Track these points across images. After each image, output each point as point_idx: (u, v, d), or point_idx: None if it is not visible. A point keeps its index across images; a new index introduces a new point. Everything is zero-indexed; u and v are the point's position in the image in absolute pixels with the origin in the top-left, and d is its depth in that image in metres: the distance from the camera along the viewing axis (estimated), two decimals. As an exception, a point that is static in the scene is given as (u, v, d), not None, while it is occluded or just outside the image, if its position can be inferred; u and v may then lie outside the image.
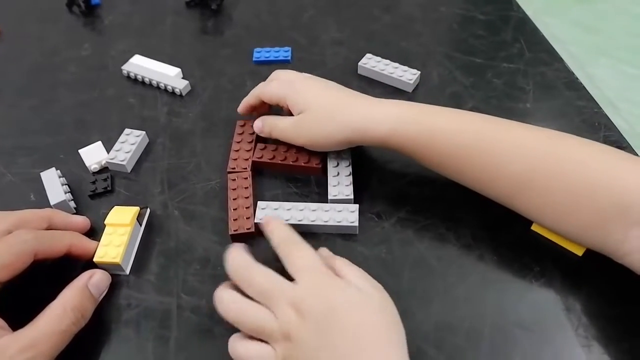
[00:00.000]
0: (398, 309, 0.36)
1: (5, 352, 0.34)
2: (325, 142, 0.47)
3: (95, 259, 0.42)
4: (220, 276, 0.42)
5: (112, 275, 0.43)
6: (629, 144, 0.51)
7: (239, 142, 0.52)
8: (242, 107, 0.54)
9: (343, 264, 0.39)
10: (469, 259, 0.43)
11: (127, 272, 0.44)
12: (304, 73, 0.52)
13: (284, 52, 0.63)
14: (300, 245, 0.39)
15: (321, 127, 0.47)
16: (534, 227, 0.44)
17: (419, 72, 0.58)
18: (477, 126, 0.43)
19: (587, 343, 0.38)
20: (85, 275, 0.40)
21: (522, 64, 0.60)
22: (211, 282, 0.42)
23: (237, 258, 0.39)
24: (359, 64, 0.60)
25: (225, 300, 0.38)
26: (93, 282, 0.40)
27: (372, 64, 0.60)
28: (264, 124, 0.51)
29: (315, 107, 0.47)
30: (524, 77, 0.59)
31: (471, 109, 0.45)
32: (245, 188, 0.48)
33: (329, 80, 0.50)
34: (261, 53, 0.63)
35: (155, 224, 0.47)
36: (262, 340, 0.36)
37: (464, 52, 0.63)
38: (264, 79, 0.53)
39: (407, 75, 0.58)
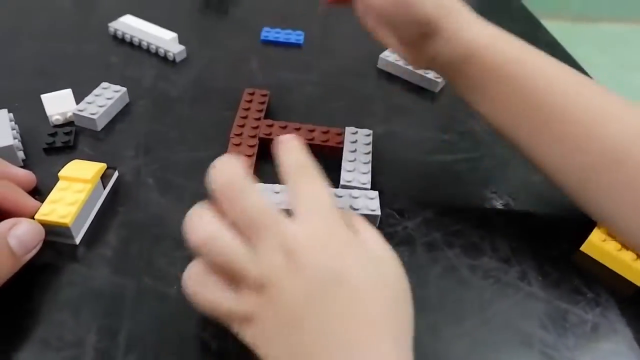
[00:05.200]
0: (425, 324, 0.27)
1: None
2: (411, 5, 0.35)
3: (37, 217, 0.32)
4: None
5: (57, 244, 0.33)
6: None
7: (246, 110, 0.44)
8: None
9: (362, 222, 0.29)
10: (508, 275, 0.35)
11: (77, 241, 0.34)
12: None
13: (296, 35, 0.56)
14: (316, 178, 0.29)
15: None
16: (583, 248, 0.36)
17: (447, 73, 0.52)
18: (577, 79, 0.36)
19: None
20: (6, 224, 0.29)
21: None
22: (184, 267, 0.30)
23: (228, 169, 0.28)
24: (381, 56, 0.53)
25: (197, 216, 0.27)
26: (17, 233, 0.29)
27: (395, 57, 0.53)
28: None
29: None
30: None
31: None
32: (249, 156, 0.39)
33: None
34: (270, 33, 0.56)
35: (122, 191, 0.38)
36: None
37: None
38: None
39: (434, 73, 0.51)
